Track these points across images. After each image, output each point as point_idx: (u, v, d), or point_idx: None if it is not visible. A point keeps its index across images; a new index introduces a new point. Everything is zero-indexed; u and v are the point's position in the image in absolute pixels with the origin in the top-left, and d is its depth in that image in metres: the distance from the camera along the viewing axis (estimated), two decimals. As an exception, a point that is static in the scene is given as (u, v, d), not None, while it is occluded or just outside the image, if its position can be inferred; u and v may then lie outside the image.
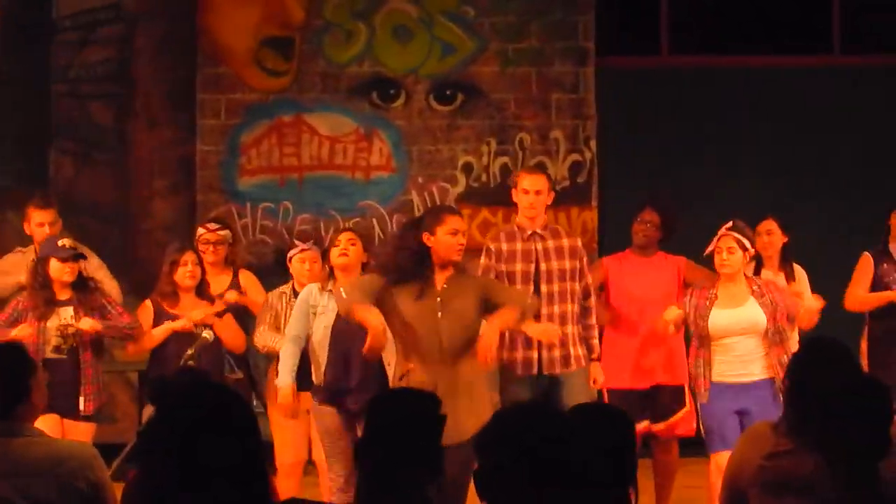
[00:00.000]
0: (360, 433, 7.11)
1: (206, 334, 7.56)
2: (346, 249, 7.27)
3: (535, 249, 7.47)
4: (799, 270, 8.33)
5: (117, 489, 4.57)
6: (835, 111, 10.60)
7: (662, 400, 7.95)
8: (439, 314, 6.65)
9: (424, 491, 3.86)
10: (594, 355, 7.55)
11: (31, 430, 4.57)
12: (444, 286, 6.71)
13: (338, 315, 7.10)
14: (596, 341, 7.59)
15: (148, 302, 7.90)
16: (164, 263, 7.91)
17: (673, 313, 7.52)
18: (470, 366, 6.68)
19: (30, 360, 4.67)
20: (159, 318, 7.79)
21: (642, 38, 10.95)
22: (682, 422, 7.98)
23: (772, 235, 8.23)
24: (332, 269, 7.30)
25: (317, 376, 7.26)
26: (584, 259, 7.59)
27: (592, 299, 7.60)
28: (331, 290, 7.22)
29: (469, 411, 6.27)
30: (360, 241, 7.38)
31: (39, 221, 8.40)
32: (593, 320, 7.58)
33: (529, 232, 7.50)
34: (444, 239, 6.69)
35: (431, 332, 6.65)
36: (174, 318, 7.75)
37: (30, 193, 8.68)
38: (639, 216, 8.14)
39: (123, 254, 10.13)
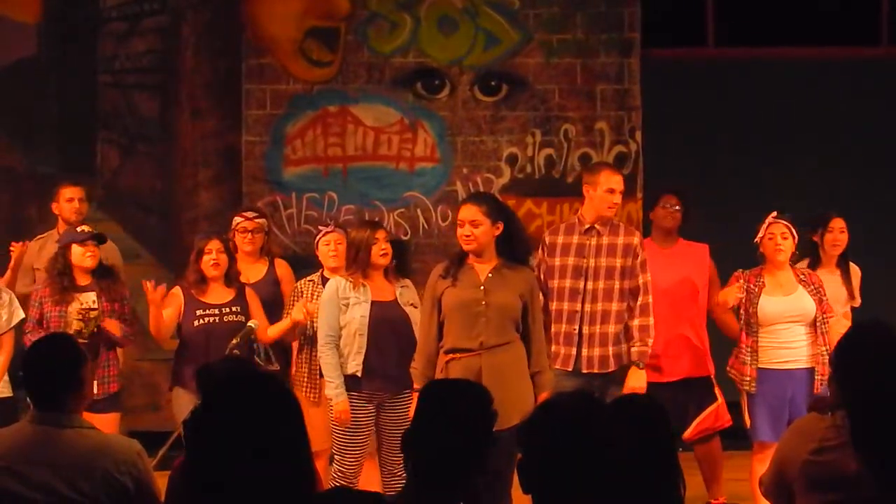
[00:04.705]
0: (377, 425, 7.28)
1: (252, 324, 7.57)
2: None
3: (589, 244, 7.41)
4: (854, 269, 8.30)
5: (163, 477, 4.59)
6: (881, 103, 10.54)
7: (691, 394, 7.92)
8: (484, 303, 6.69)
9: (474, 482, 3.85)
10: (636, 360, 7.28)
11: (81, 421, 4.59)
12: (490, 276, 6.76)
13: (374, 303, 7.33)
14: (638, 347, 7.27)
15: (177, 289, 7.88)
16: (192, 253, 7.92)
17: (734, 293, 7.51)
18: (510, 354, 6.72)
19: (81, 350, 4.69)
20: (189, 305, 7.76)
21: (688, 30, 10.92)
22: (713, 418, 7.95)
23: (843, 233, 8.22)
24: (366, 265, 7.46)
25: (353, 366, 7.32)
26: (639, 258, 7.34)
27: (642, 299, 7.32)
28: (364, 284, 7.38)
29: (510, 399, 6.28)
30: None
31: (69, 197, 8.42)
32: (639, 321, 7.29)
33: (587, 226, 7.43)
34: (457, 230, 6.85)
35: (474, 324, 6.70)
36: (204, 306, 7.74)
37: (75, 182, 8.70)
38: (661, 202, 8.15)
39: (168, 243, 10.19)
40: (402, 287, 7.48)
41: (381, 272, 7.44)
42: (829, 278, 8.17)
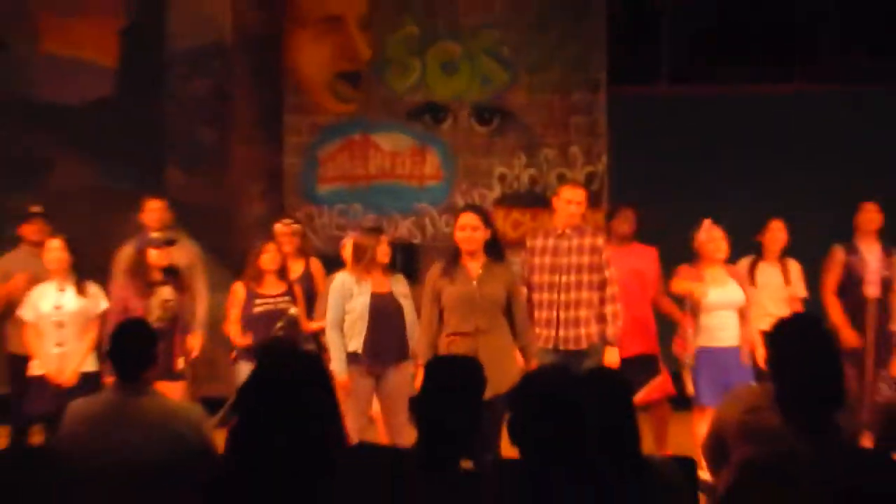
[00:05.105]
0: (377, 392, 7.31)
1: (293, 311, 7.74)
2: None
3: (563, 246, 7.51)
4: (793, 263, 8.33)
5: (221, 435, 4.66)
6: (803, 133, 10.53)
7: (641, 368, 7.95)
8: (478, 296, 6.77)
9: (471, 437, 3.91)
10: (610, 340, 7.35)
11: (154, 390, 4.68)
12: (481, 272, 6.84)
13: (373, 294, 7.38)
14: (612, 330, 7.34)
15: (240, 284, 7.98)
16: (250, 254, 8.01)
17: (700, 289, 7.63)
18: (500, 336, 6.81)
19: (155, 332, 4.78)
20: (249, 296, 7.87)
21: (646, 71, 10.95)
22: (658, 387, 8.00)
23: (781, 233, 8.25)
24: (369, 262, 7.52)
25: (354, 344, 7.35)
26: (604, 255, 7.41)
27: (610, 290, 7.37)
28: (365, 279, 7.42)
29: (501, 371, 6.33)
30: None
31: (153, 208, 8.48)
32: (610, 308, 7.35)
33: (560, 231, 7.53)
34: (457, 234, 6.90)
35: (471, 311, 6.78)
36: (261, 296, 7.84)
37: (156, 195, 8.79)
38: (619, 214, 8.23)
39: (224, 247, 10.20)
40: (395, 281, 7.53)
41: (380, 269, 7.50)
42: (772, 271, 8.21)
